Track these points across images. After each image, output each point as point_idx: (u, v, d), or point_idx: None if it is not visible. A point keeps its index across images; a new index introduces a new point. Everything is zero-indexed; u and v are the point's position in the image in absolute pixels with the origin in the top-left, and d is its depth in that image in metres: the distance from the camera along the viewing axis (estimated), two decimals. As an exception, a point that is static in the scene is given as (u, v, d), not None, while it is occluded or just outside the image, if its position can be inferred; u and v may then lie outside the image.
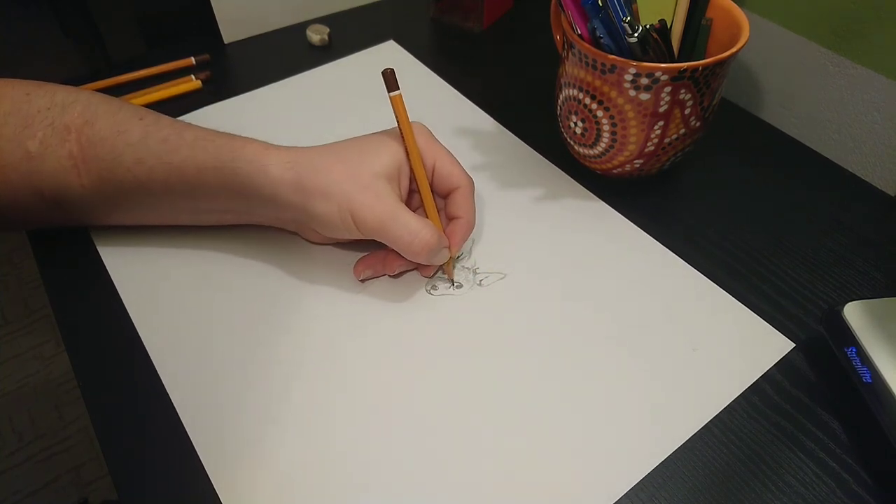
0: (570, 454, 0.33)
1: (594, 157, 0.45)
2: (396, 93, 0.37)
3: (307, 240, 0.42)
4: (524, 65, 0.60)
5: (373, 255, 0.41)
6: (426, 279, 0.41)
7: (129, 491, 0.32)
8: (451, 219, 0.40)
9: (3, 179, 0.37)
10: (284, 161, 0.36)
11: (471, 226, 0.40)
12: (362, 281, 0.41)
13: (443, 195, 0.41)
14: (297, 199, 0.36)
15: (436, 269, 0.41)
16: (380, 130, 0.40)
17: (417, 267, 0.41)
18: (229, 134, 0.38)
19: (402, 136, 0.38)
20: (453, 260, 0.41)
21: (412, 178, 0.39)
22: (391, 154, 0.38)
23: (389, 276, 0.41)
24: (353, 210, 0.35)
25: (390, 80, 0.37)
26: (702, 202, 0.47)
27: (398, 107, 0.38)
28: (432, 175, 0.40)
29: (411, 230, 0.36)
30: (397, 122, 0.38)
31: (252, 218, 0.40)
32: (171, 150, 0.37)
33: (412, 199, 0.41)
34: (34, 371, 1.26)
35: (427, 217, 0.39)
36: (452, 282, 0.41)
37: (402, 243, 0.36)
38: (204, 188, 0.37)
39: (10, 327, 1.33)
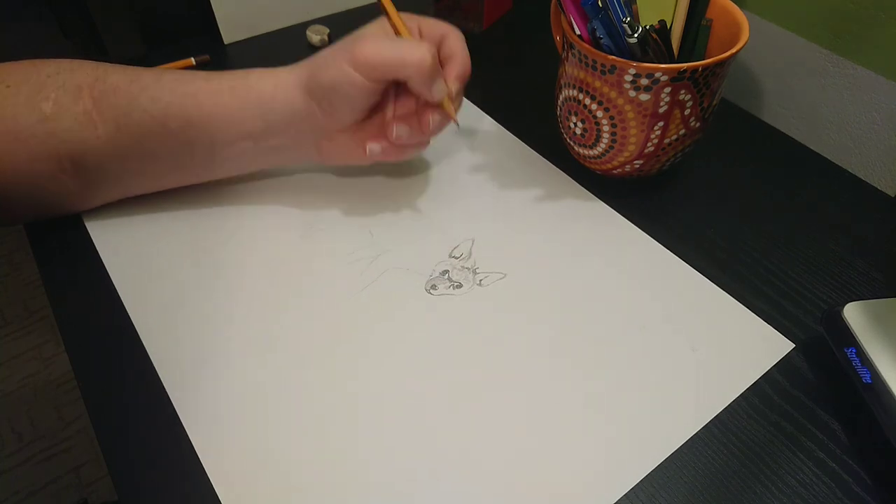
0: (570, 454, 0.33)
1: (594, 157, 0.45)
2: None
3: (325, 158, 0.44)
4: (524, 65, 0.60)
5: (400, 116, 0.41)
6: (426, 279, 0.41)
7: (129, 491, 0.32)
8: (445, 60, 0.41)
9: (22, 146, 0.37)
10: (291, 66, 0.40)
11: (466, 61, 0.41)
12: (421, 141, 0.42)
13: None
14: (308, 85, 0.38)
15: (437, 126, 0.41)
16: None
17: (423, 111, 0.41)
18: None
19: (387, 15, 0.40)
20: (452, 101, 0.41)
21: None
22: (377, 25, 0.41)
23: (423, 132, 0.41)
24: (354, 56, 0.37)
25: None
26: (701, 202, 0.47)
27: None
28: (419, 36, 0.41)
29: (412, 44, 0.37)
30: (381, 4, 0.41)
31: (269, 140, 0.41)
32: (185, 82, 0.39)
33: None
34: (34, 371, 1.26)
35: None
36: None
37: (413, 59, 0.37)
38: (222, 113, 0.39)
39: (10, 328, 1.33)
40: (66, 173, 0.39)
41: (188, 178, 0.43)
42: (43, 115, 0.37)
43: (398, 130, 0.41)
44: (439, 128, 0.42)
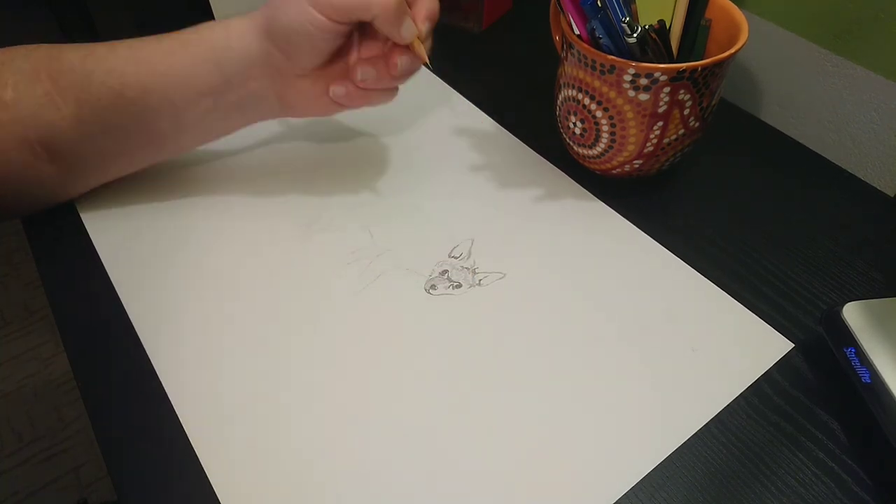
0: (569, 454, 0.33)
1: (593, 157, 0.45)
2: None
3: (288, 110, 0.42)
4: (524, 65, 0.60)
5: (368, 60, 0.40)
6: (426, 279, 0.41)
7: (129, 491, 0.32)
8: (412, 1, 0.39)
9: None
10: (247, 13, 0.39)
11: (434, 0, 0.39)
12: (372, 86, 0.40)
13: None
14: (267, 28, 0.37)
15: (406, 69, 0.39)
16: None
17: (390, 53, 0.39)
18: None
19: None
20: (421, 42, 0.39)
21: None
22: None
23: (391, 76, 0.40)
24: None
25: None
26: (701, 202, 0.47)
27: None
28: None
29: None
30: None
31: (228, 95, 0.40)
32: (138, 49, 0.39)
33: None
34: (33, 372, 1.26)
35: None
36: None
37: None
38: (176, 72, 0.38)
39: (10, 328, 1.33)
40: (42, 160, 0.39)
41: (160, 151, 0.43)
42: (4, 102, 0.37)
43: (363, 73, 0.40)
44: (409, 71, 0.40)
